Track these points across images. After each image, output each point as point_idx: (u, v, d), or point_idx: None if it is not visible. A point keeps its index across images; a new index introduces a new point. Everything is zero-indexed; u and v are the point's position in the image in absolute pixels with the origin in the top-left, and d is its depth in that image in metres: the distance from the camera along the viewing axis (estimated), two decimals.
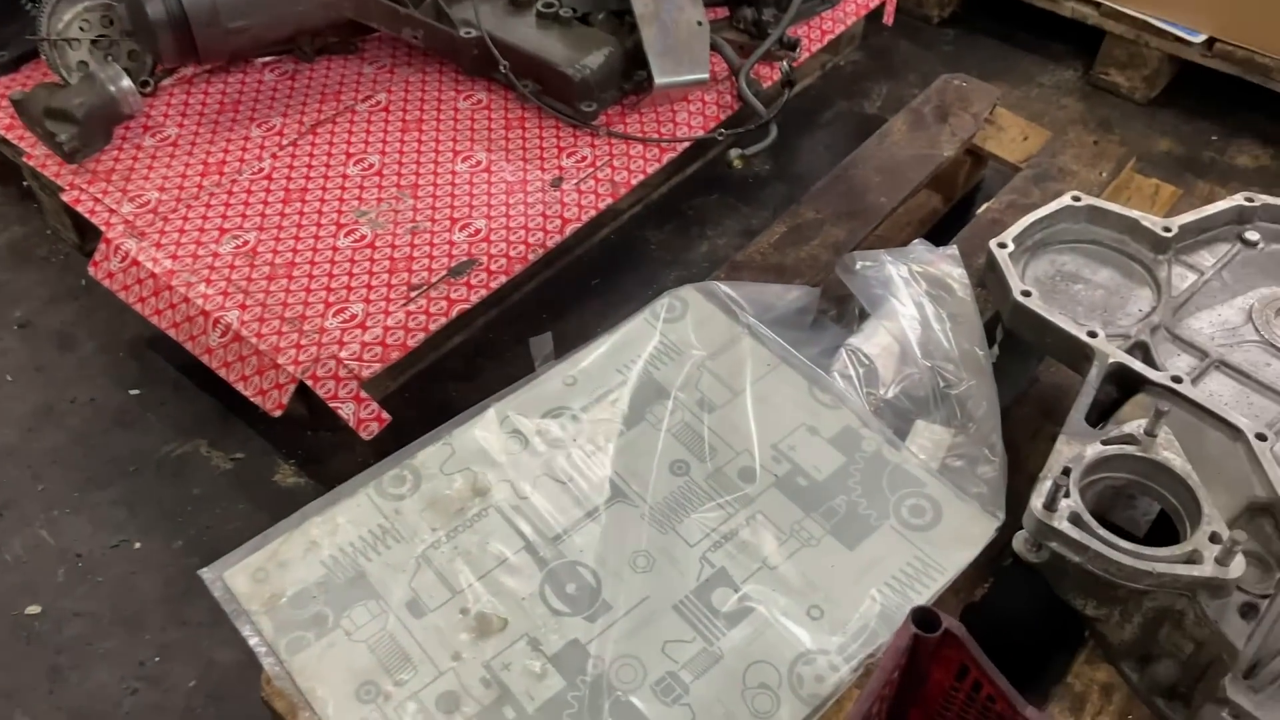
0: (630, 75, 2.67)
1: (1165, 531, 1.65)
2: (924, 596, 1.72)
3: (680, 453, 1.91)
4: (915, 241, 2.35)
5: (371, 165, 2.53)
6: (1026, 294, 1.90)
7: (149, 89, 2.62)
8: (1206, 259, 2.04)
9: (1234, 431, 1.67)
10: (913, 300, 2.19)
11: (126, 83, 2.46)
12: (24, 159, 2.52)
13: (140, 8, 2.34)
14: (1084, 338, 1.82)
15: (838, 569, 1.75)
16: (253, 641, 1.65)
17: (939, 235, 2.43)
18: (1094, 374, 1.77)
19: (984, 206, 2.53)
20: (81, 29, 2.57)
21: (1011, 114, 2.81)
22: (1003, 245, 1.99)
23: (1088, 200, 2.07)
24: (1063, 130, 2.72)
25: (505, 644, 1.64)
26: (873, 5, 3.09)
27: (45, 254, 2.76)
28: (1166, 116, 3.23)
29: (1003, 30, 3.53)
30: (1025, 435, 1.99)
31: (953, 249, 2.26)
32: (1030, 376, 2.14)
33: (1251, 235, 2.05)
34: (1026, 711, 1.33)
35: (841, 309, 2.28)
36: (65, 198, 2.45)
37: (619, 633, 1.66)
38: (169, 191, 2.44)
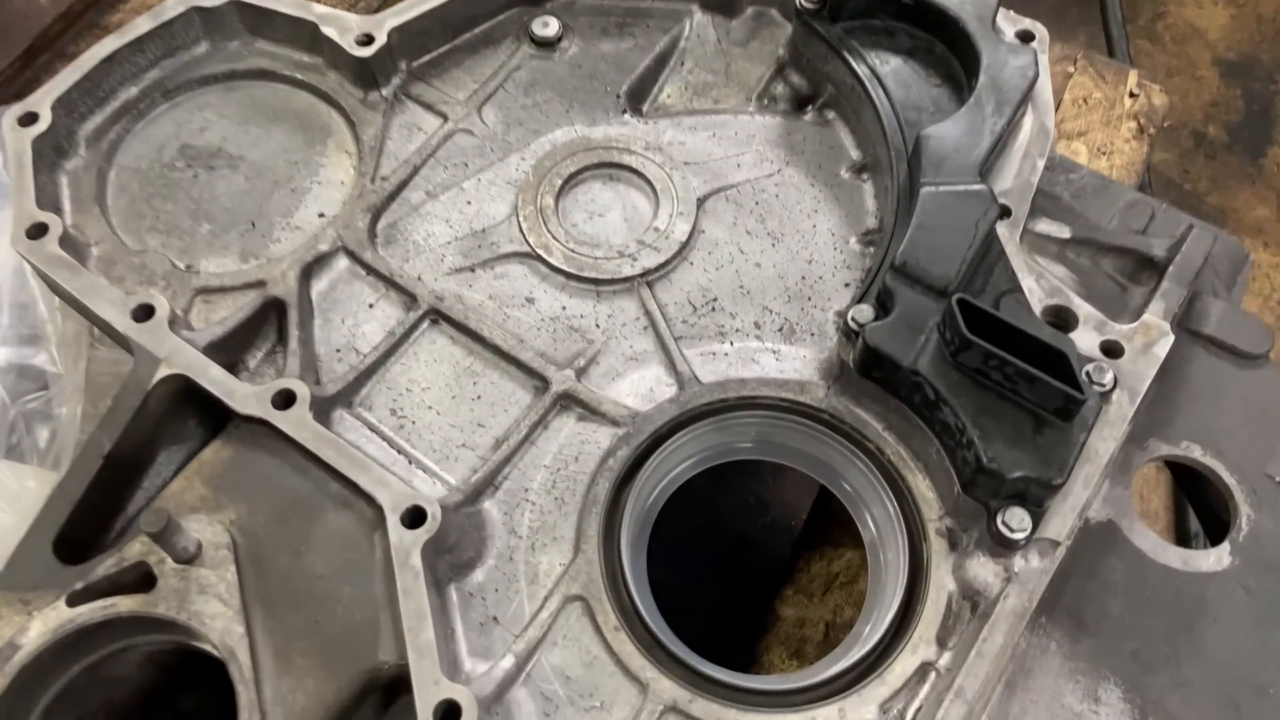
0: None
1: None
2: None
3: None
4: None
5: None
6: (40, 230, 0.94)
7: None
8: (462, 88, 1.12)
9: (374, 511, 0.84)
10: None
11: None
12: None
13: None
14: (122, 322, 0.90)
15: None
16: None
17: None
18: (121, 404, 0.87)
19: None
20: None
21: None
22: (30, 119, 0.99)
23: None
24: None
25: None
26: None
27: None
28: None
29: None
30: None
31: None
32: None
33: (546, 27, 1.13)
34: None
35: None
36: None
37: None
38: None
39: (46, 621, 0.76)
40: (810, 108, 1.11)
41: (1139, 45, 1.80)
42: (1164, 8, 1.87)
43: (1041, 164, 0.99)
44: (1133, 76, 1.39)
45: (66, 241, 0.93)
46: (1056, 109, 1.37)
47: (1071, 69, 1.39)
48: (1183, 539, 1.42)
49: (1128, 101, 1.37)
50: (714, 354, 0.96)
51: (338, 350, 0.96)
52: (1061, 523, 0.82)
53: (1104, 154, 1.33)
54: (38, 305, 1.10)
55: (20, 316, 1.12)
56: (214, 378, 0.87)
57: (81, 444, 1.04)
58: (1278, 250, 1.64)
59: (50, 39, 1.40)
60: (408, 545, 0.80)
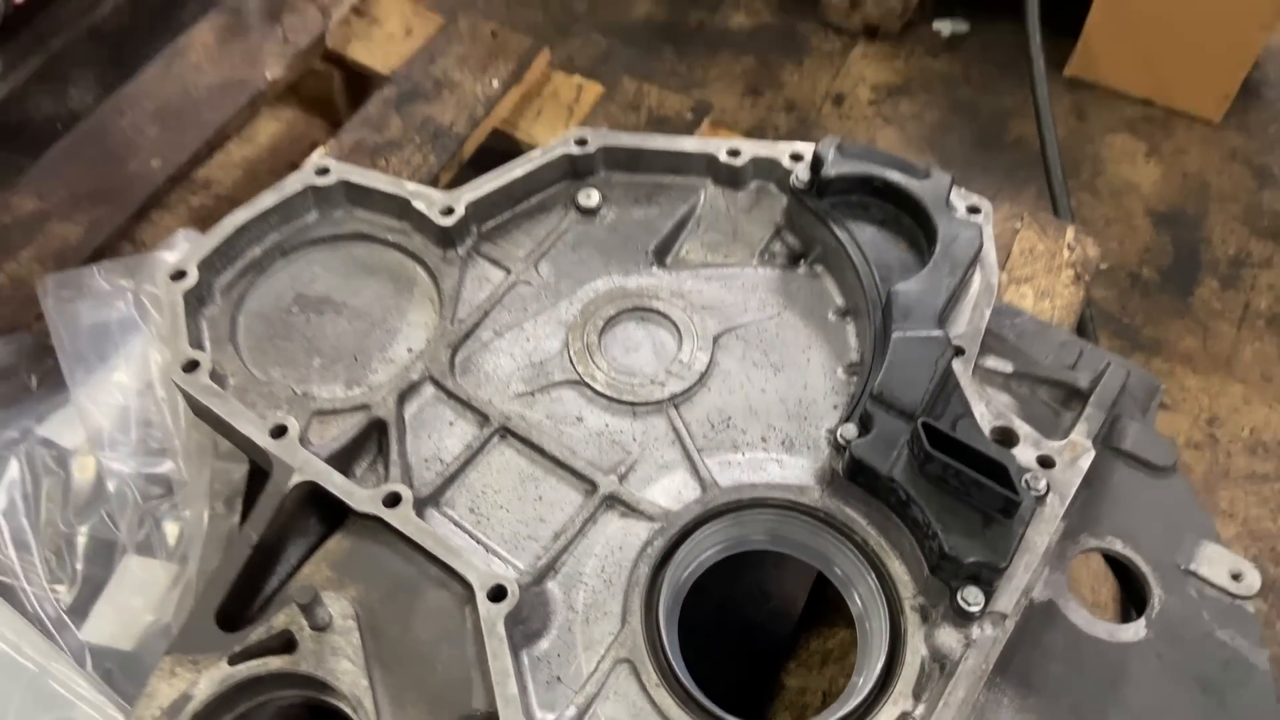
0: None
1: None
2: None
3: None
4: (179, 233, 1.57)
5: None
6: (193, 366, 1.18)
7: None
8: (522, 247, 1.38)
9: (465, 589, 1.06)
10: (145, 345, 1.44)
11: None
12: None
13: None
14: (263, 440, 1.13)
15: None
16: None
17: None
18: (264, 506, 1.09)
19: (317, 152, 1.77)
20: None
21: None
22: (180, 275, 1.25)
23: (339, 172, 1.33)
24: (455, 17, 1.96)
25: None
26: None
27: None
28: None
29: None
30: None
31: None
32: None
33: (588, 198, 1.40)
34: None
35: None
36: None
37: None
38: None
39: (212, 677, 0.96)
40: (803, 263, 1.37)
41: (1081, 198, 2.09)
42: (1102, 166, 2.18)
43: (988, 313, 1.24)
44: (1070, 231, 1.66)
45: (212, 375, 1.17)
46: (1007, 259, 1.65)
47: (1019, 225, 1.66)
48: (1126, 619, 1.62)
49: (1066, 252, 1.64)
50: (730, 462, 1.19)
51: (426, 460, 1.19)
52: (1008, 599, 1.04)
53: (1047, 297, 1.59)
54: (165, 421, 1.32)
55: (147, 432, 1.34)
56: (337, 484, 1.09)
57: (207, 540, 1.25)
58: (1205, 376, 1.90)
59: (158, 196, 1.66)
60: (493, 616, 1.02)
